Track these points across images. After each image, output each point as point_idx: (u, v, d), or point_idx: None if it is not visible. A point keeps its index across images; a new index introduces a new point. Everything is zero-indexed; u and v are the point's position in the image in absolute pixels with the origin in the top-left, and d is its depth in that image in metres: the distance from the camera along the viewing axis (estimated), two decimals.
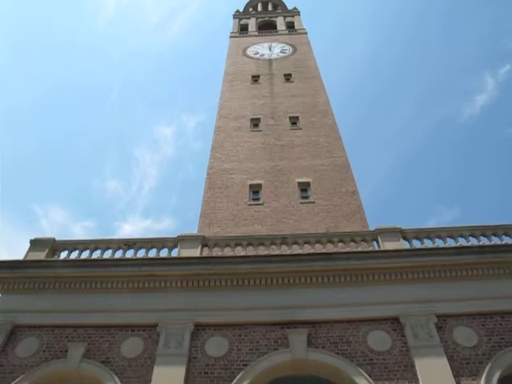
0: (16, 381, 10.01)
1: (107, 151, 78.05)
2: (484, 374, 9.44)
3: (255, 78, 25.37)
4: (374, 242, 12.47)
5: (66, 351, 10.50)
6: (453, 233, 12.45)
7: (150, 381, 9.67)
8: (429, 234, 12.51)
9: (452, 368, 9.49)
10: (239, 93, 23.99)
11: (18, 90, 70.64)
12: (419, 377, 9.40)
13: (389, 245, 12.01)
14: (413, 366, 9.67)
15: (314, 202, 16.56)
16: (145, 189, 78.29)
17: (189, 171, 77.36)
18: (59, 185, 71.03)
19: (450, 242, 12.25)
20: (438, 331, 10.18)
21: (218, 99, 23.82)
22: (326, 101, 22.79)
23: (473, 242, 12.18)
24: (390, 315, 10.56)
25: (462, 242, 12.23)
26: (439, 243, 12.26)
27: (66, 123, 74.30)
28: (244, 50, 29.10)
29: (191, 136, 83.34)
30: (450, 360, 9.66)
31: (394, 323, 10.49)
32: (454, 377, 9.36)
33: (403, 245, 12.13)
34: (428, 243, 12.29)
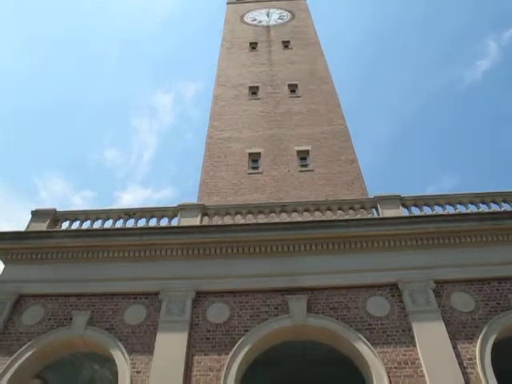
0: (23, 348, 10.26)
1: (105, 120, 77.46)
2: (480, 338, 9.65)
3: (253, 46, 24.96)
4: (374, 210, 12.52)
5: (71, 319, 10.71)
6: (452, 200, 12.48)
7: (154, 347, 9.89)
8: (428, 201, 12.54)
9: (449, 332, 9.70)
10: (237, 60, 23.65)
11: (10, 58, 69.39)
12: (417, 341, 9.62)
13: (388, 212, 12.07)
14: (410, 330, 9.87)
15: (313, 171, 16.55)
16: (144, 158, 78.10)
17: (188, 140, 77.03)
18: (57, 155, 70.82)
19: (449, 210, 12.28)
20: (435, 297, 10.33)
21: (216, 67, 23.50)
22: (325, 67, 22.48)
23: (472, 209, 12.22)
24: (389, 281, 10.70)
25: (461, 209, 12.27)
26: (438, 210, 12.29)
27: (62, 92, 73.50)
28: (241, 17, 28.52)
29: (190, 104, 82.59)
30: (447, 324, 9.86)
31: (393, 289, 10.64)
32: (451, 340, 9.57)
33: (402, 212, 12.18)
34: (427, 210, 12.33)
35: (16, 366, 10.05)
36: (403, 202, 12.49)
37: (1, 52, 67.10)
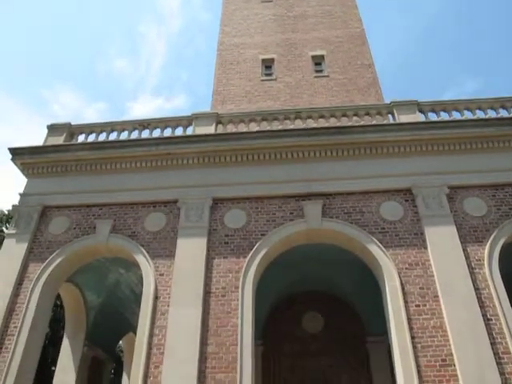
0: (53, 255, 10.85)
1: (110, 28, 74.65)
2: (489, 241, 9.84)
3: None
4: (390, 116, 12.25)
5: (95, 227, 11.14)
6: (471, 105, 12.12)
7: (175, 251, 10.34)
8: (446, 106, 12.21)
9: (460, 235, 9.89)
10: None
11: None
12: (428, 243, 9.86)
13: (404, 118, 11.84)
14: (422, 233, 10.08)
15: (328, 76, 16.06)
16: (154, 66, 76.13)
17: (199, 46, 74.42)
18: (65, 67, 69.45)
19: (468, 115, 11.96)
20: (448, 202, 10.41)
21: None
22: None
23: (491, 114, 11.86)
24: (403, 187, 10.76)
25: (480, 115, 11.93)
26: (456, 116, 11.97)
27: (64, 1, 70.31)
28: None
29: (199, 7, 78.51)
30: (459, 228, 10.03)
31: (407, 194, 10.73)
32: (461, 243, 9.79)
33: (419, 118, 11.92)
34: (445, 116, 12.03)
35: (49, 271, 10.69)
36: (420, 107, 12.18)
37: None
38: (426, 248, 9.89)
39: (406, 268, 9.70)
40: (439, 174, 10.83)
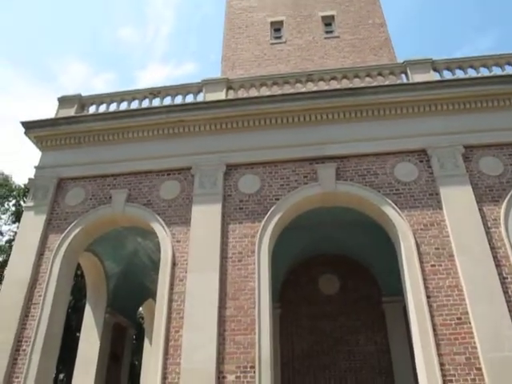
0: (71, 226, 11.06)
1: None
2: (506, 200, 9.71)
3: None
4: (403, 75, 11.98)
5: (110, 197, 11.27)
6: (487, 62, 11.74)
7: (190, 218, 10.44)
8: (461, 64, 11.87)
9: (475, 195, 9.79)
10: None
11: None
12: (443, 204, 9.78)
13: (418, 77, 11.55)
14: (438, 194, 10.00)
15: (339, 37, 15.70)
16: (161, 34, 75.08)
17: (207, 11, 72.96)
18: (70, 38, 68.80)
19: (484, 72, 11.63)
20: (464, 161, 10.26)
21: None
22: None
23: (508, 70, 11.51)
24: (418, 147, 10.62)
25: (496, 71, 11.60)
26: (472, 74, 11.68)
27: None
28: None
29: None
30: (474, 188, 9.92)
31: (421, 155, 10.60)
32: (477, 203, 9.69)
33: (433, 76, 11.63)
34: (460, 74, 11.75)
35: (68, 241, 10.92)
36: (434, 65, 11.86)
37: None
38: (441, 208, 9.83)
39: (421, 229, 9.68)
40: (454, 134, 10.62)
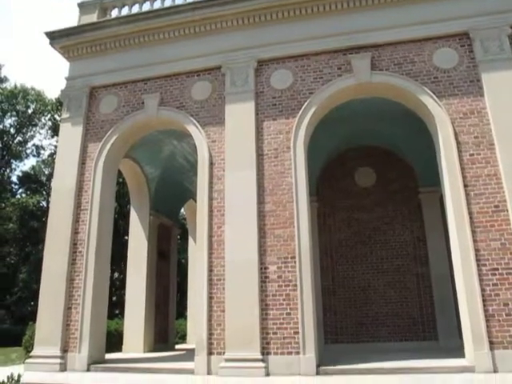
0: (108, 134, 11.31)
1: None
2: None
3: None
4: None
5: (143, 103, 11.31)
6: None
7: (224, 118, 10.44)
8: None
9: None
10: None
11: None
12: (485, 90, 9.27)
13: None
14: (479, 80, 9.44)
15: None
16: None
17: None
18: None
19: None
20: (511, 44, 9.46)
21: None
22: None
23: None
24: (459, 31, 9.84)
25: None
26: None
27: None
28: None
29: None
30: None
31: (463, 39, 9.85)
32: None
33: None
34: None
35: (107, 149, 11.24)
36: None
37: None
38: (482, 96, 9.35)
39: (461, 117, 9.35)
40: (500, 14, 9.69)
